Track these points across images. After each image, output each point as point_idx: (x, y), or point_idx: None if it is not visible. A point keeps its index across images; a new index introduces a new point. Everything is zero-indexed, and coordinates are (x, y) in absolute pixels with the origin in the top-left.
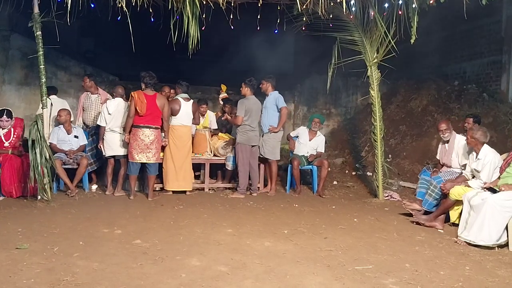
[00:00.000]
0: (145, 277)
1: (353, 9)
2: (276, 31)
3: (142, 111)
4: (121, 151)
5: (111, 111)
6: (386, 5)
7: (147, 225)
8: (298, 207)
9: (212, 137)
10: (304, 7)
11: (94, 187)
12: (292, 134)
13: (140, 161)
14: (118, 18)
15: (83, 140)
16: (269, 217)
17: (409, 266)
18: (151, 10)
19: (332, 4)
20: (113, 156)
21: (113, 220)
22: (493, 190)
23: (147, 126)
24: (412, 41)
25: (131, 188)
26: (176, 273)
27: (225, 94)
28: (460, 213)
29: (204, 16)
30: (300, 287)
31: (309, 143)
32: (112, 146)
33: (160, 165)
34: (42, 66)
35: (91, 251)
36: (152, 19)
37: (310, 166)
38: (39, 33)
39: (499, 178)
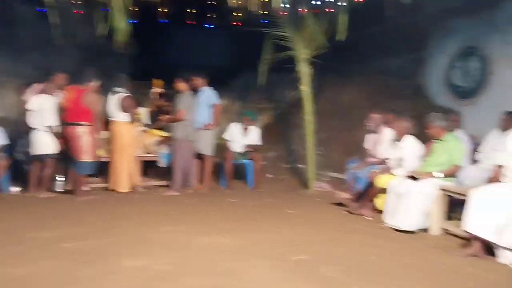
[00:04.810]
0: (79, 281)
1: (285, 5)
2: (211, 26)
3: (67, 106)
4: (45, 150)
5: (31, 107)
6: (318, 2)
7: (77, 227)
8: (235, 202)
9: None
10: (234, 1)
11: (16, 189)
12: (227, 137)
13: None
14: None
15: (1, 140)
16: (207, 212)
17: (342, 254)
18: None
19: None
20: (38, 156)
21: (39, 223)
22: (415, 179)
23: (71, 123)
24: (340, 38)
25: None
26: (112, 275)
27: (161, 89)
28: (385, 201)
29: (133, 9)
30: (241, 280)
31: (243, 138)
32: (37, 145)
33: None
34: None
35: (15, 258)
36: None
37: (244, 161)
38: None
39: (420, 167)
